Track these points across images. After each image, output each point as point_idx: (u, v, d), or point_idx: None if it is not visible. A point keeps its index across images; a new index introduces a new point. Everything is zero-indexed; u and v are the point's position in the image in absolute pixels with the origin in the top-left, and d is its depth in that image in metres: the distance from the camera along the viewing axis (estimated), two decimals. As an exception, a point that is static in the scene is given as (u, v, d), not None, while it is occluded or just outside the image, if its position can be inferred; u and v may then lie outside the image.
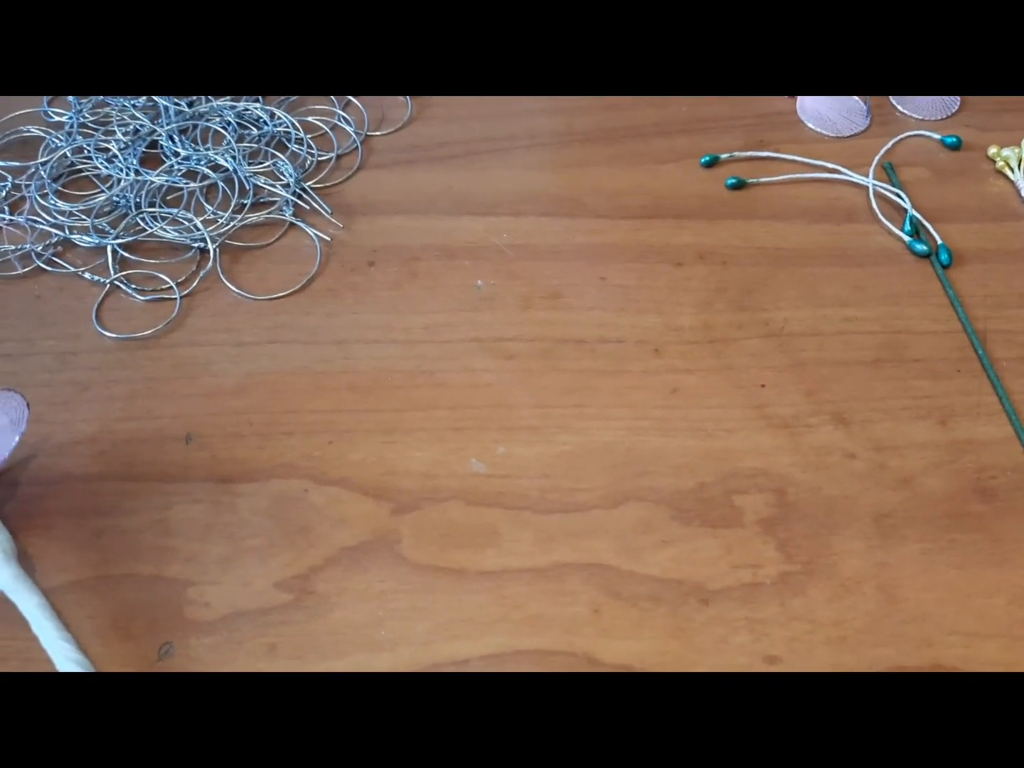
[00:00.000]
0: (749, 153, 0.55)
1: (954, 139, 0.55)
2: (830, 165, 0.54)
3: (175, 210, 0.50)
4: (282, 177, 0.53)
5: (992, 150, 0.54)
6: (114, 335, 0.47)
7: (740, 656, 0.37)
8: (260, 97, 0.56)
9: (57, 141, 0.54)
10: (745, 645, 0.38)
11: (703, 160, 0.54)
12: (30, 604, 0.36)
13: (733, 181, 0.53)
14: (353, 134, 0.55)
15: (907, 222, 0.51)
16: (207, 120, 0.55)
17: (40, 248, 0.49)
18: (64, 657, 0.34)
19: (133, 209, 0.50)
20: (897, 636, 0.38)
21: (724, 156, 0.54)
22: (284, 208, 0.51)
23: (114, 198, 0.51)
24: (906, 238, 0.50)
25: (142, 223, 0.50)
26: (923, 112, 0.57)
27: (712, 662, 0.37)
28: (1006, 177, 0.53)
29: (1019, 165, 0.53)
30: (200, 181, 0.52)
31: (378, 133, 0.56)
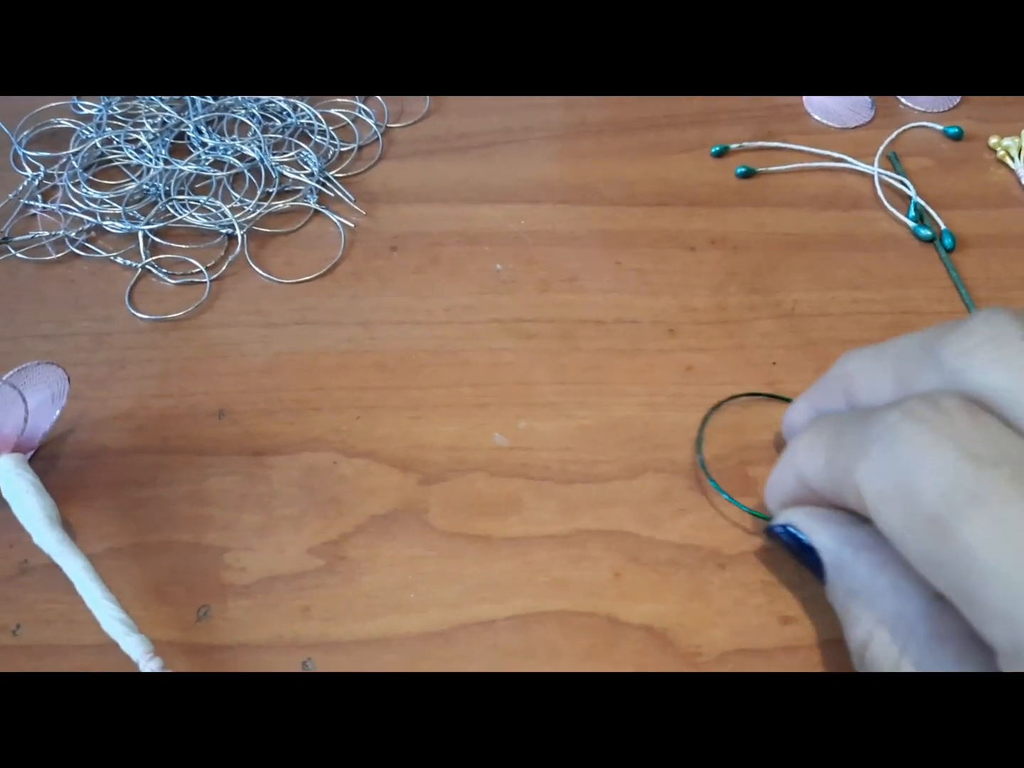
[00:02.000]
0: (758, 143, 0.56)
1: (956, 130, 0.56)
2: (836, 155, 0.56)
3: (203, 197, 0.52)
4: (306, 166, 0.54)
5: (993, 140, 0.56)
6: (147, 316, 0.48)
7: (756, 617, 0.39)
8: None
9: (87, 132, 0.55)
10: (761, 606, 0.39)
11: (713, 150, 0.56)
12: (76, 567, 0.37)
13: (743, 170, 0.55)
14: (374, 126, 0.57)
15: (912, 208, 0.52)
16: (232, 112, 0.56)
17: (73, 234, 0.51)
18: (109, 616, 0.36)
19: (163, 197, 0.52)
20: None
21: (734, 146, 0.56)
22: (308, 196, 0.53)
23: (144, 186, 0.53)
24: (911, 224, 0.52)
25: (171, 210, 0.52)
26: (926, 104, 0.58)
27: (730, 622, 0.38)
28: (1007, 166, 0.55)
29: (1019, 154, 0.55)
30: (227, 170, 0.54)
31: (398, 125, 0.58)
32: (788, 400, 0.43)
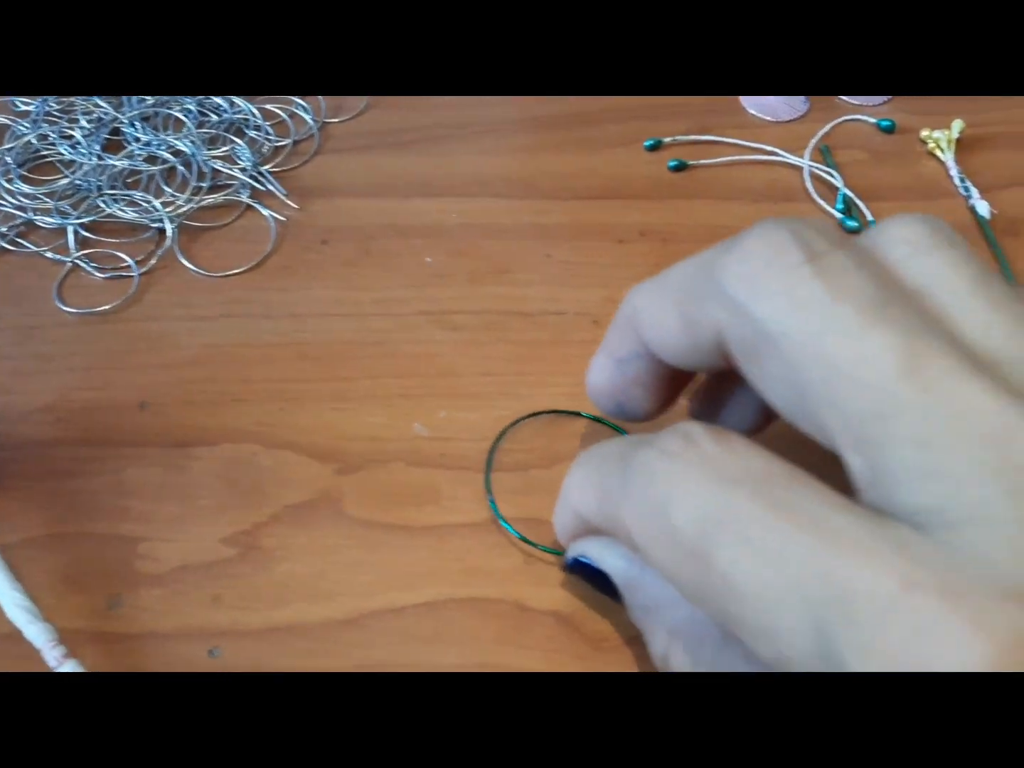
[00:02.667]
0: (692, 137, 0.57)
1: (889, 123, 0.57)
2: (769, 148, 0.56)
3: (134, 192, 0.52)
4: (239, 161, 0.54)
5: (924, 132, 0.56)
6: (75, 310, 0.49)
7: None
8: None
9: (23, 128, 0.56)
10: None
11: (647, 144, 0.56)
12: (-17, 556, 0.37)
13: (675, 163, 0.55)
14: (310, 121, 0.57)
15: (839, 200, 0.53)
16: (168, 108, 0.56)
17: (4, 229, 0.51)
18: (13, 604, 0.36)
19: (95, 192, 0.52)
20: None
21: (667, 140, 0.57)
22: (241, 190, 0.53)
23: (76, 181, 0.53)
24: (838, 215, 0.52)
25: (103, 205, 0.52)
26: (860, 98, 0.59)
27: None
28: (937, 158, 0.56)
29: (949, 146, 0.55)
30: (160, 165, 0.54)
31: (335, 120, 0.58)
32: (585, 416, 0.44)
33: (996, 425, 0.24)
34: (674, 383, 0.37)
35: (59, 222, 0.51)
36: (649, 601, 0.33)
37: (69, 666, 0.34)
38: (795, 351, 0.27)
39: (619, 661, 0.38)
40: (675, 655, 0.31)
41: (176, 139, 0.54)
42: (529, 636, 0.38)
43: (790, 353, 0.27)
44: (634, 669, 0.37)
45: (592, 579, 0.36)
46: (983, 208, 0.52)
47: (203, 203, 0.53)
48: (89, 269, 0.50)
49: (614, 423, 0.43)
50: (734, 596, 0.26)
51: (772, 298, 0.28)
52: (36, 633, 0.35)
